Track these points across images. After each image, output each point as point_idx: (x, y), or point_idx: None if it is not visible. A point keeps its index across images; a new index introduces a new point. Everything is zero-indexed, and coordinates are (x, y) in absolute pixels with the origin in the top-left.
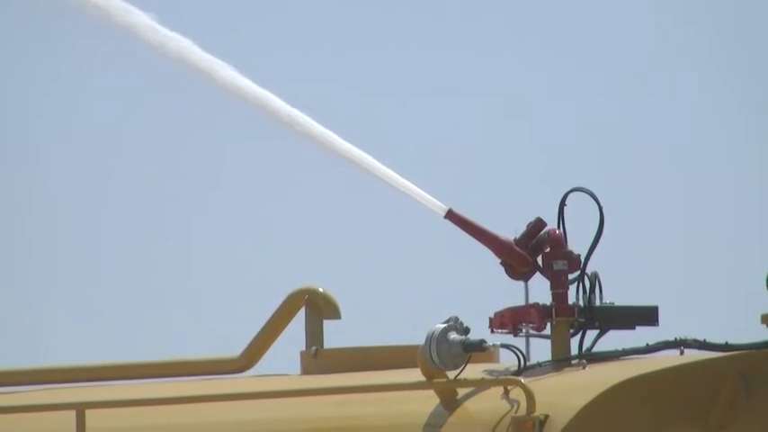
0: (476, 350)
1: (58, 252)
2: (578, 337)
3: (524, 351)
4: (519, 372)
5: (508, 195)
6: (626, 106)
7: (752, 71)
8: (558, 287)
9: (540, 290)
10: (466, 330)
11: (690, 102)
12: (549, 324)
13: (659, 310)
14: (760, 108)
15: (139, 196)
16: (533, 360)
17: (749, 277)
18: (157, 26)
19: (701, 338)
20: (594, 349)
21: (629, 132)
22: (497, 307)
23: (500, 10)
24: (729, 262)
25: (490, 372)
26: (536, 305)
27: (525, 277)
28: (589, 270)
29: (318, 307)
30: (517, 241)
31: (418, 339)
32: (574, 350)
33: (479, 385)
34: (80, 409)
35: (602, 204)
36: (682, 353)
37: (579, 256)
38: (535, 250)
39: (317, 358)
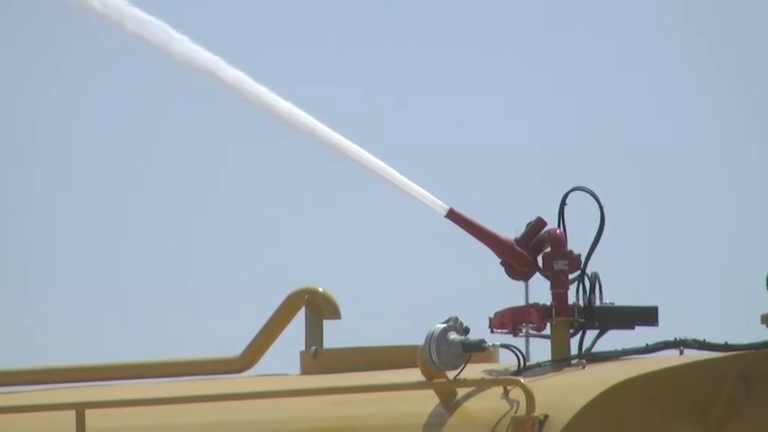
0: (475, 350)
1: (58, 252)
2: (578, 337)
3: (524, 351)
4: (519, 372)
5: (508, 195)
6: (626, 106)
7: (752, 71)
8: (558, 287)
9: (540, 290)
10: (466, 330)
11: (690, 102)
12: (548, 324)
13: (659, 311)
14: (760, 108)
15: (139, 196)
16: (533, 360)
17: (749, 277)
18: (159, 25)
19: (700, 338)
20: (594, 349)
21: (629, 132)
22: (497, 307)
23: (500, 10)
24: (729, 262)
25: (490, 372)
26: (536, 305)
27: (525, 277)
28: (589, 270)
29: (318, 307)
30: (518, 241)
31: (418, 339)
32: (574, 350)
33: (479, 385)
34: (80, 408)
35: (602, 204)
36: (681, 353)
37: (579, 255)
38: (535, 250)
39: (317, 358)
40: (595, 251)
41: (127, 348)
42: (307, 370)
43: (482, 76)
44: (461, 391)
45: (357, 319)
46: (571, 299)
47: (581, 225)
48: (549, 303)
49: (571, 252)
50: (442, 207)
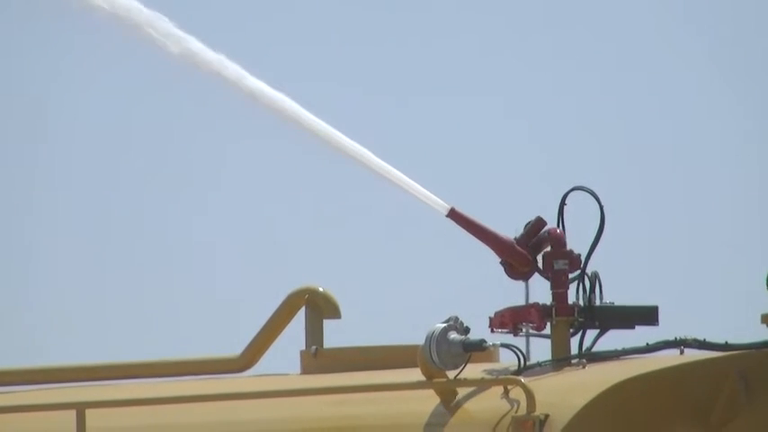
0: (476, 350)
1: (58, 252)
2: (578, 336)
3: (524, 351)
4: (519, 371)
5: (509, 195)
6: (626, 106)
7: (752, 71)
8: (559, 287)
9: (540, 290)
10: (466, 330)
11: (690, 102)
12: (548, 324)
13: (659, 310)
14: (760, 108)
15: (139, 196)
16: (533, 360)
17: (749, 277)
18: (160, 23)
19: (701, 338)
20: (594, 349)
21: (629, 132)
22: (497, 307)
23: (500, 10)
24: (729, 262)
25: (490, 371)
26: (536, 305)
27: (525, 277)
28: (589, 270)
29: (318, 306)
30: (518, 240)
31: (418, 339)
32: (574, 350)
33: (479, 385)
34: (80, 408)
35: (602, 203)
36: (682, 352)
37: (579, 255)
38: (534, 249)
39: (317, 358)
40: (596, 251)
41: (127, 348)
42: (307, 369)
43: (482, 76)
44: (462, 391)
45: (357, 319)
46: (571, 298)
47: (581, 225)
48: (549, 303)
49: (571, 252)
50: (443, 206)
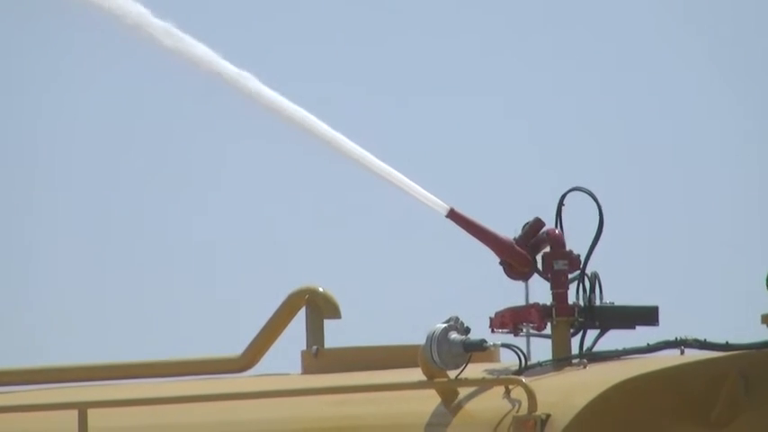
0: (476, 350)
1: (59, 252)
2: (579, 336)
3: (525, 351)
4: (520, 371)
5: (508, 195)
6: (626, 106)
7: (752, 71)
8: (558, 287)
9: (539, 290)
10: (466, 330)
11: (690, 102)
12: (549, 324)
13: (659, 310)
14: (760, 108)
15: (139, 196)
16: (534, 360)
17: (749, 277)
18: (159, 22)
19: (701, 338)
20: (595, 349)
21: (628, 132)
22: (497, 307)
23: (500, 10)
24: (729, 262)
25: (491, 371)
26: (536, 305)
27: (525, 277)
28: (589, 270)
29: (319, 306)
30: (517, 241)
31: (419, 339)
32: (574, 350)
33: (480, 385)
34: (82, 408)
35: (601, 204)
36: (682, 352)
37: (579, 255)
38: (533, 250)
39: (318, 358)
40: (595, 251)
41: (128, 348)
42: (308, 369)
43: (482, 76)
44: (463, 391)
45: (357, 319)
46: (571, 299)
47: (580, 225)
48: (549, 303)
49: (571, 252)
50: (443, 207)
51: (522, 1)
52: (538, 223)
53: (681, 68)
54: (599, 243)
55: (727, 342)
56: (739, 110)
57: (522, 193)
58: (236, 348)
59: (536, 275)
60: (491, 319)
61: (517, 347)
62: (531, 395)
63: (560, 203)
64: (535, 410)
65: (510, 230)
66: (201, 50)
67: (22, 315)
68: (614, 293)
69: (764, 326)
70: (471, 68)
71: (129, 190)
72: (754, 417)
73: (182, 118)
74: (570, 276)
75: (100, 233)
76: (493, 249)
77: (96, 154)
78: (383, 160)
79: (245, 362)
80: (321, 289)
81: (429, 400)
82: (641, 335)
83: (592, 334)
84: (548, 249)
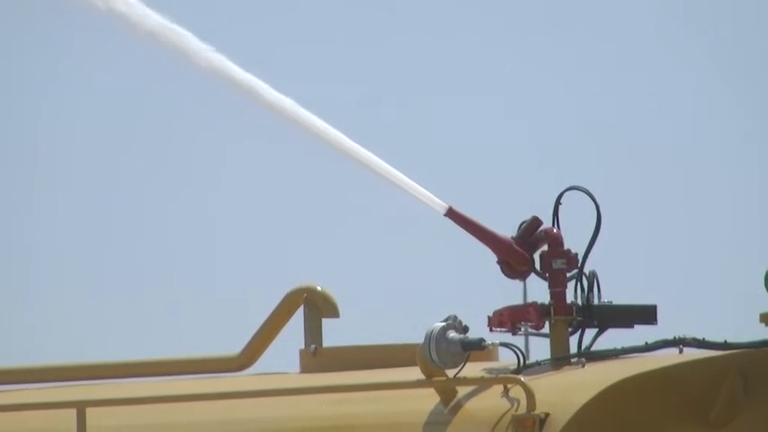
0: (475, 349)
1: (59, 252)
2: (577, 335)
3: (523, 350)
4: (518, 370)
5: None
6: (626, 106)
7: (752, 71)
8: (557, 286)
9: (538, 289)
10: (465, 329)
11: (689, 102)
12: (547, 323)
13: (658, 309)
14: (760, 108)
15: (139, 196)
16: (532, 359)
17: (748, 276)
18: (158, 19)
19: (699, 337)
20: (593, 348)
21: (628, 132)
22: (496, 306)
23: (500, 11)
24: (728, 261)
25: (490, 370)
26: (534, 304)
27: (523, 276)
28: (587, 269)
29: (317, 305)
30: (516, 240)
31: (417, 338)
32: (573, 349)
33: (479, 384)
34: (80, 407)
35: (598, 203)
36: (681, 351)
37: (577, 254)
38: (530, 249)
39: (316, 357)
40: (594, 250)
41: (127, 347)
42: (306, 368)
43: (482, 76)
44: (461, 390)
45: (356, 318)
46: (569, 298)
47: (578, 224)
48: (547, 302)
49: (569, 251)
50: (442, 206)
51: (522, 1)
52: (535, 222)
53: (681, 68)
54: (597, 242)
55: (725, 341)
56: (739, 110)
57: (520, 191)
58: (234, 347)
59: (533, 275)
60: (489, 317)
61: (516, 346)
62: (529, 394)
63: (557, 202)
64: (534, 409)
65: (508, 229)
66: (201, 47)
67: (22, 315)
68: (612, 292)
69: (763, 325)
70: (471, 68)
71: (129, 190)
72: (754, 416)
73: (182, 118)
74: (568, 275)
75: (100, 233)
76: (491, 248)
77: (96, 154)
78: (382, 159)
79: (243, 361)
80: (319, 288)
81: (427, 399)
82: (640, 334)
83: (590, 333)
84: (545, 248)
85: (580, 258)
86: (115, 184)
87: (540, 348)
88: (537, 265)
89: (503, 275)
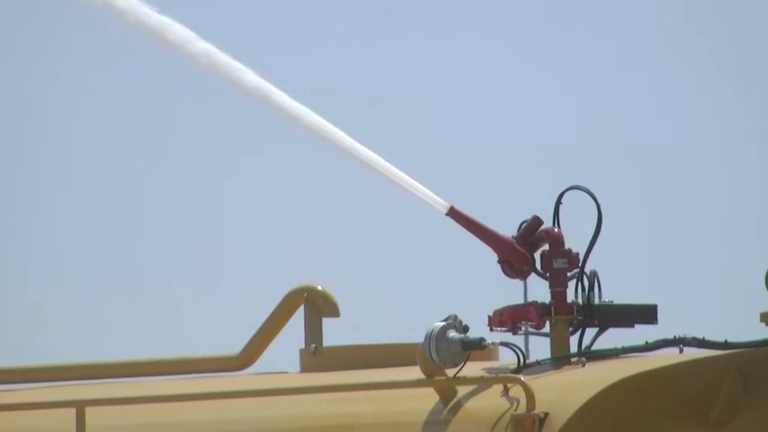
0: (475, 348)
1: (59, 251)
2: (577, 335)
3: (524, 349)
4: (518, 369)
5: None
6: (626, 106)
7: (752, 71)
8: (558, 285)
9: (538, 288)
10: (465, 328)
11: (689, 102)
12: (548, 322)
13: (658, 309)
14: (760, 108)
15: (139, 196)
16: (533, 358)
17: (748, 276)
18: (158, 18)
19: (700, 337)
20: (594, 347)
21: (628, 132)
22: (496, 305)
23: (500, 11)
24: (728, 261)
25: (490, 370)
26: (535, 303)
27: (523, 275)
28: (588, 268)
29: (317, 305)
30: (517, 239)
31: (417, 337)
32: (573, 348)
33: (479, 383)
34: (80, 406)
35: (599, 202)
36: (681, 351)
37: (578, 254)
38: (531, 248)
39: (317, 356)
40: (594, 250)
41: (126, 346)
42: (306, 368)
43: (482, 76)
44: (461, 389)
45: (356, 318)
46: (570, 297)
47: (579, 224)
48: (548, 301)
49: (570, 250)
50: (443, 205)
51: (522, 1)
52: (536, 221)
53: (681, 68)
54: (598, 241)
55: (725, 340)
56: (739, 110)
57: (520, 191)
58: (234, 347)
59: (533, 274)
60: (490, 317)
61: (516, 346)
62: (529, 393)
63: (558, 202)
64: (533, 409)
65: (509, 229)
66: (201, 46)
67: (22, 314)
68: (613, 292)
69: (763, 324)
70: (471, 68)
71: (129, 190)
72: (754, 416)
73: (182, 118)
74: (569, 275)
75: (100, 232)
76: (493, 248)
77: (96, 154)
78: (383, 158)
79: (243, 360)
80: (320, 287)
81: (427, 399)
82: (640, 333)
83: (591, 332)
84: (546, 247)
85: (581, 258)
86: (115, 184)
87: (540, 348)
88: (538, 265)
89: (503, 275)
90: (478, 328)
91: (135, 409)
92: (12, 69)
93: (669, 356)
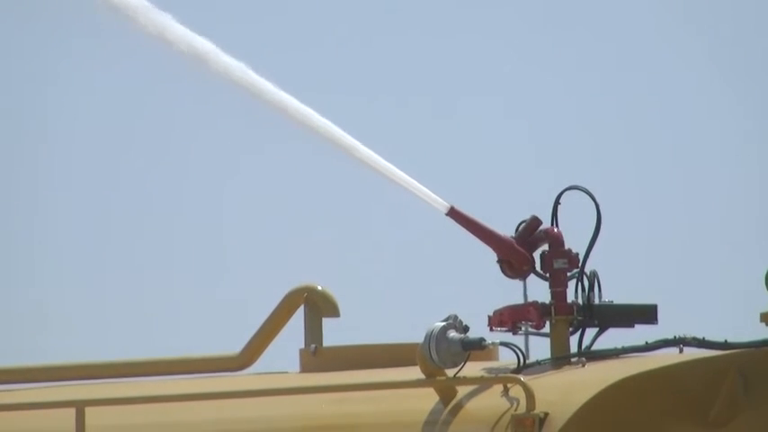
0: (475, 348)
1: (59, 251)
2: (577, 335)
3: (524, 349)
4: (518, 370)
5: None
6: (626, 106)
7: (752, 71)
8: (558, 285)
9: (538, 288)
10: (465, 328)
11: (689, 102)
12: (548, 322)
13: (658, 309)
14: (760, 108)
15: (139, 196)
16: (533, 358)
17: (748, 276)
18: (158, 15)
19: (700, 337)
20: (594, 347)
21: (628, 132)
22: (496, 305)
23: (500, 11)
24: (728, 260)
25: (490, 370)
26: (535, 303)
27: (523, 276)
28: (588, 269)
29: (317, 305)
30: (517, 239)
31: (417, 337)
32: (573, 348)
33: (479, 383)
34: (80, 406)
35: (598, 202)
36: (681, 351)
37: (578, 254)
38: (530, 248)
39: (317, 356)
40: (594, 250)
41: (126, 346)
42: (306, 368)
43: (482, 76)
44: (461, 389)
45: (356, 318)
46: (570, 297)
47: (579, 224)
48: (548, 302)
49: (569, 250)
50: (443, 205)
51: (522, 1)
52: (535, 221)
53: (681, 68)
54: (597, 241)
55: (725, 341)
56: (739, 110)
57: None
58: (234, 347)
59: (533, 274)
60: (490, 317)
61: (516, 346)
62: (529, 393)
63: (556, 202)
64: (533, 409)
65: (509, 229)
66: (201, 45)
67: (22, 314)
68: (613, 292)
69: (763, 324)
70: (471, 68)
71: (129, 190)
72: (754, 416)
73: (183, 118)
74: (569, 275)
75: (100, 232)
76: (493, 248)
77: (96, 154)
78: (383, 158)
79: (243, 360)
80: (320, 287)
81: (427, 399)
82: (640, 333)
83: (591, 332)
84: (545, 248)
85: (581, 258)
86: (115, 184)
87: (540, 348)
88: (537, 265)
89: (503, 275)
90: (478, 328)
91: (135, 409)
92: (12, 69)
93: (669, 356)
